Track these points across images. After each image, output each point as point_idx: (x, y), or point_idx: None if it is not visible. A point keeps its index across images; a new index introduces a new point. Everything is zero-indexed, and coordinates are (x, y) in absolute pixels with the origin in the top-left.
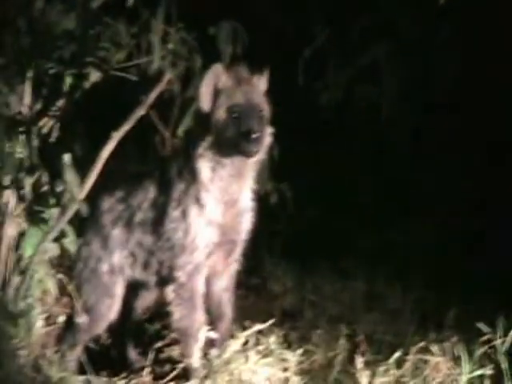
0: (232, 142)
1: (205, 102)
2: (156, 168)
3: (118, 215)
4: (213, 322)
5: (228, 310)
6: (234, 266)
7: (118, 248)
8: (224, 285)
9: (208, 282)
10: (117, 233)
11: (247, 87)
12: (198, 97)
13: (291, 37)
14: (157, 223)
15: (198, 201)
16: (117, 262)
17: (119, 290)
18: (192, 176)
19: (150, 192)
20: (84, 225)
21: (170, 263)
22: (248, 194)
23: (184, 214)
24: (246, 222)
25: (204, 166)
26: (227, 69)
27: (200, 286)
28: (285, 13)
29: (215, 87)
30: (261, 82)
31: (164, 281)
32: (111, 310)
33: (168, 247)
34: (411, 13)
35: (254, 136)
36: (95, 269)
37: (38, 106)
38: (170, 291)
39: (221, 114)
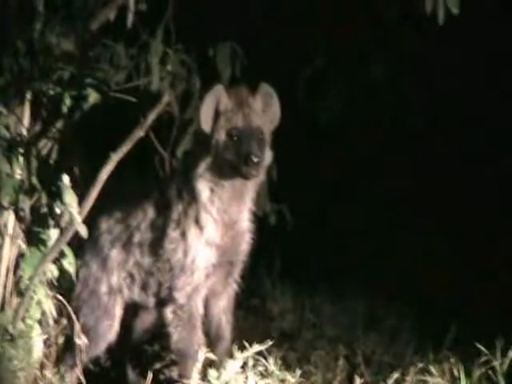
0: (231, 164)
1: (205, 124)
2: (155, 189)
3: (117, 236)
4: (212, 342)
5: (227, 331)
6: (232, 287)
7: (117, 269)
8: (223, 306)
9: (207, 303)
10: (115, 254)
11: (248, 109)
12: (199, 118)
13: (290, 57)
14: (155, 244)
15: (197, 222)
16: (115, 283)
17: (118, 310)
18: (191, 197)
19: (149, 213)
20: (83, 246)
21: (169, 284)
22: (247, 215)
23: (183, 235)
24: (245, 243)
25: (203, 187)
26: (228, 90)
27: (199, 307)
28: (283, 33)
29: (216, 108)
30: (265, 103)
31: (163, 302)
32: (110, 331)
33: (167, 268)
34: (410, 30)
35: (253, 160)
36: (94, 290)
37: (37, 128)
38: (168, 312)
39: (221, 137)
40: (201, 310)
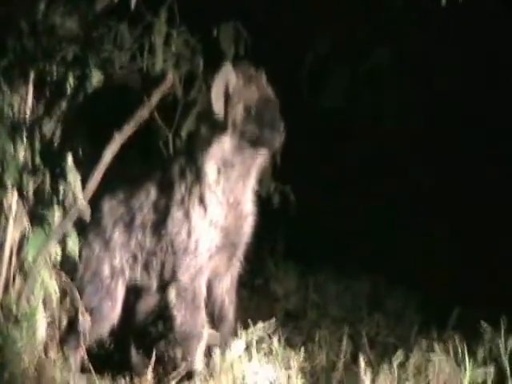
0: (254, 136)
1: (217, 104)
2: (157, 169)
3: (119, 217)
4: (215, 323)
5: (230, 311)
6: (235, 268)
7: (119, 250)
8: (226, 287)
9: (210, 284)
10: (118, 235)
11: (259, 83)
12: (208, 99)
13: (294, 43)
14: (158, 225)
15: (201, 202)
16: (118, 264)
17: (120, 292)
18: (196, 177)
19: (152, 193)
20: (86, 227)
21: (172, 265)
22: (250, 195)
23: (187, 216)
24: (248, 225)
25: (211, 168)
26: (236, 68)
27: (202, 287)
28: (287, 18)
29: (226, 88)
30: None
31: (166, 283)
32: (113, 312)
33: (170, 249)
34: (413, 19)
35: (278, 127)
36: (96, 271)
37: (41, 108)
38: (172, 293)
39: (238, 113)
40: (204, 290)
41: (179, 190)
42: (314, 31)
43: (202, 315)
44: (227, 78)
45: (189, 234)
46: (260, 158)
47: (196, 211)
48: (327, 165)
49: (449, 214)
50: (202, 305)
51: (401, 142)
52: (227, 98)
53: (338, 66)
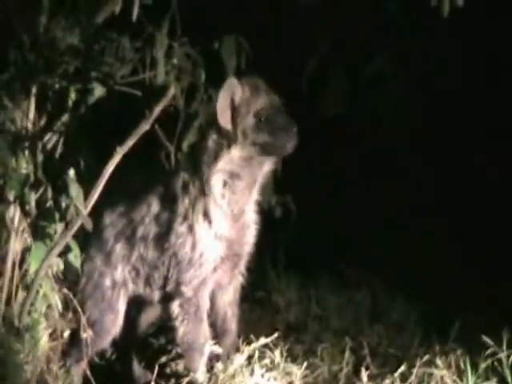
0: (266, 143)
1: (223, 119)
2: (159, 182)
3: (121, 230)
4: (218, 336)
5: (233, 323)
6: (238, 279)
7: (121, 263)
8: (229, 299)
9: (213, 296)
10: (119, 248)
11: (265, 92)
12: (215, 111)
13: (294, 49)
14: (160, 238)
15: (206, 215)
16: (119, 277)
17: (122, 305)
18: (200, 190)
19: (153, 207)
20: (87, 239)
21: (175, 278)
22: (253, 206)
23: (191, 229)
24: (251, 235)
25: (217, 181)
26: (240, 80)
27: (205, 300)
28: (287, 26)
29: (232, 101)
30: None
31: (169, 296)
32: (114, 325)
33: (174, 262)
34: (413, 23)
35: (292, 130)
36: (98, 284)
37: (43, 122)
38: (175, 306)
39: (248, 122)
40: (207, 303)
41: (183, 204)
42: (315, 37)
43: (205, 327)
44: (232, 91)
45: (193, 248)
46: (266, 167)
47: (200, 225)
48: (327, 172)
49: (450, 220)
50: (205, 317)
51: (400, 143)
52: (234, 110)
53: (338, 69)
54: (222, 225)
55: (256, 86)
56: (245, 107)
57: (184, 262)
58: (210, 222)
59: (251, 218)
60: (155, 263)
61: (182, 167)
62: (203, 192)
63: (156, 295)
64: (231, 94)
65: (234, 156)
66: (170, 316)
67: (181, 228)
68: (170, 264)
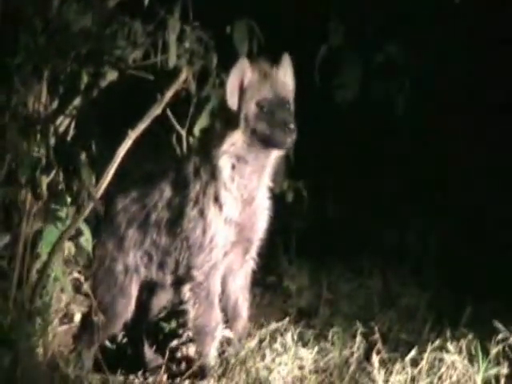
0: (264, 135)
1: (231, 99)
2: (171, 168)
3: (133, 215)
4: (229, 320)
5: (244, 308)
6: (250, 264)
7: (133, 248)
8: (240, 283)
9: (224, 280)
10: (132, 233)
11: (273, 81)
12: (222, 94)
13: (306, 35)
14: (172, 223)
15: (216, 199)
16: (132, 262)
17: (134, 289)
18: (210, 174)
19: (166, 192)
20: (99, 224)
21: (187, 262)
22: (265, 191)
23: (202, 213)
24: (263, 221)
25: (225, 164)
26: (251, 63)
27: (217, 284)
28: (299, 11)
29: (241, 82)
30: (285, 75)
31: (180, 280)
32: (126, 310)
33: (185, 247)
34: (425, 10)
35: (290, 127)
36: (110, 269)
37: (55, 105)
38: (186, 290)
39: (250, 109)
40: (218, 287)
41: (194, 189)
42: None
43: (217, 312)
44: (243, 72)
45: (204, 232)
46: (273, 154)
47: (211, 209)
48: (341, 161)
49: (462, 209)
50: (217, 301)
51: (413, 130)
52: (241, 93)
53: (351, 56)
54: (232, 209)
55: (266, 73)
56: (250, 92)
57: (195, 246)
58: (220, 207)
59: (263, 203)
60: (168, 248)
61: (194, 152)
62: (214, 176)
63: (168, 280)
64: (242, 74)
65: (237, 139)
66: (181, 300)
67: (192, 212)
68: (182, 248)
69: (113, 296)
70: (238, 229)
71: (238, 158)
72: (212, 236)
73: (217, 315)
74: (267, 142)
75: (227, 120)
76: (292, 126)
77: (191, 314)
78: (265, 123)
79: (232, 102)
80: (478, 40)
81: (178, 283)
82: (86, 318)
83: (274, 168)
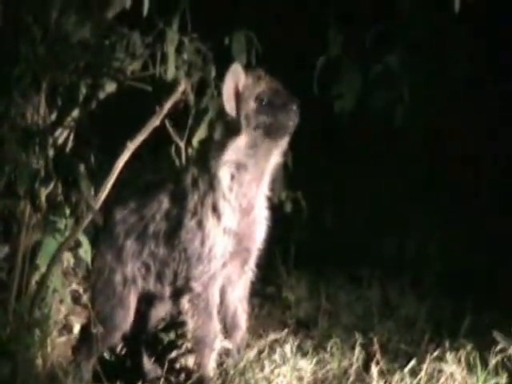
0: (269, 125)
1: (229, 103)
2: (169, 179)
3: (131, 226)
4: (228, 331)
5: (243, 319)
6: (248, 275)
7: (132, 259)
8: (238, 294)
9: (223, 291)
10: (130, 244)
11: (267, 80)
12: (219, 103)
13: (305, 46)
14: (171, 234)
15: (214, 210)
16: (130, 273)
17: (133, 300)
18: (208, 185)
19: (164, 203)
20: (98, 235)
21: (185, 274)
22: (263, 201)
23: (200, 224)
24: (261, 230)
25: (225, 174)
26: (246, 69)
27: (215, 295)
28: (298, 22)
29: (236, 86)
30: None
31: (179, 291)
32: (125, 321)
33: (184, 258)
34: (424, 19)
35: (292, 107)
36: (109, 280)
37: (53, 117)
38: (185, 301)
39: (250, 107)
40: (217, 298)
41: (192, 200)
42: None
43: (215, 323)
44: (237, 76)
45: (202, 243)
46: (273, 158)
47: (209, 220)
48: (340, 170)
49: (461, 220)
50: (215, 312)
51: (412, 139)
52: (238, 96)
53: (350, 65)
54: (230, 219)
55: (258, 75)
56: (247, 93)
57: (194, 257)
58: (218, 217)
59: (261, 213)
60: (166, 259)
61: (192, 162)
62: (212, 186)
63: (166, 291)
64: (236, 79)
65: (240, 144)
66: (179, 311)
67: (190, 223)
68: (180, 259)
69: (111, 307)
70: (236, 239)
71: (238, 167)
72: (210, 247)
73: (215, 326)
74: (272, 132)
75: (227, 128)
76: (294, 106)
77: (190, 325)
78: (266, 115)
79: (230, 106)
80: (477, 48)
81: (176, 294)
82: (85, 329)
83: (272, 176)
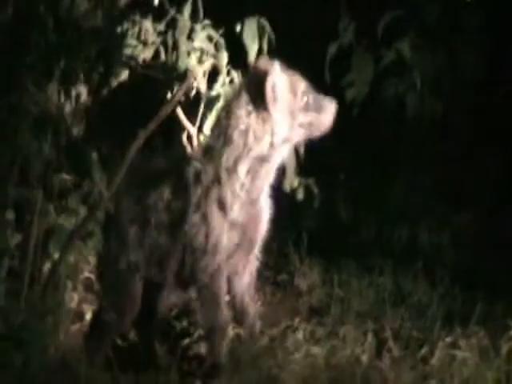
0: (311, 123)
1: (272, 102)
2: (172, 170)
3: (135, 215)
4: (238, 319)
5: (252, 306)
6: (253, 263)
7: (134, 247)
8: (245, 283)
9: (230, 280)
10: (133, 232)
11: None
12: (264, 98)
13: (317, 33)
14: (173, 227)
15: (221, 203)
16: (133, 260)
17: (138, 287)
18: (215, 178)
19: (166, 194)
20: (105, 223)
21: (190, 266)
22: (267, 191)
23: (204, 218)
24: (265, 221)
25: (243, 169)
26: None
27: (222, 285)
28: (310, 9)
29: (275, 86)
30: None
31: (185, 282)
32: (131, 308)
33: (189, 251)
34: (437, 6)
35: (334, 107)
36: (114, 266)
37: (66, 105)
38: (192, 292)
39: (297, 103)
40: (224, 288)
41: (195, 194)
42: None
43: (224, 312)
44: (277, 75)
45: (207, 236)
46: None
47: (215, 213)
48: (352, 158)
49: (474, 207)
50: (224, 301)
51: (425, 131)
52: (276, 94)
53: (363, 53)
54: (238, 213)
55: (292, 72)
56: (293, 90)
57: (198, 250)
58: (225, 211)
59: (265, 203)
60: (169, 250)
61: (202, 153)
62: (218, 180)
63: (170, 279)
64: (276, 78)
65: (275, 140)
66: (188, 302)
67: (194, 217)
68: (186, 252)
69: (117, 294)
70: (241, 230)
71: (262, 160)
72: (216, 240)
73: (225, 316)
74: (314, 130)
75: (263, 125)
76: (334, 106)
77: (199, 315)
78: (312, 111)
79: (272, 104)
80: (492, 33)
81: (184, 284)
82: (97, 316)
83: (283, 164)
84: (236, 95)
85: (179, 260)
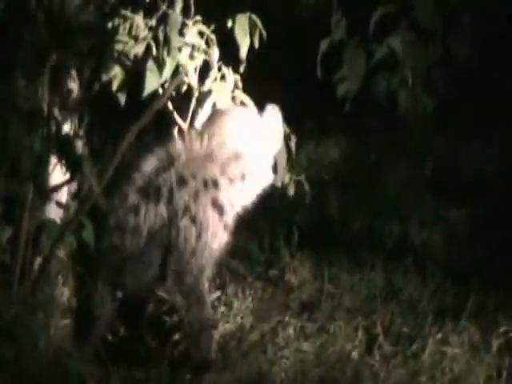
0: None
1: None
2: (154, 172)
3: (127, 213)
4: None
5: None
6: None
7: (126, 246)
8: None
9: None
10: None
11: None
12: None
13: (309, 29)
14: (160, 229)
15: (216, 206)
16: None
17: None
18: (206, 182)
19: (152, 198)
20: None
21: (175, 267)
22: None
23: (194, 221)
24: None
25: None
26: None
27: (205, 285)
28: (301, 5)
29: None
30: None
31: (170, 283)
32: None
33: (176, 254)
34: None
35: None
36: (107, 263)
37: (57, 99)
38: (176, 291)
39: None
40: (206, 286)
41: (181, 198)
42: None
43: (209, 312)
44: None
45: (197, 238)
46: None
47: (208, 215)
48: (344, 153)
49: (468, 202)
50: (207, 301)
51: (417, 126)
52: None
53: (355, 49)
54: (230, 214)
55: None
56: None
57: (187, 253)
58: (221, 213)
59: None
60: (155, 250)
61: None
62: (215, 183)
63: (158, 278)
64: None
65: None
66: (173, 303)
67: (182, 222)
68: (172, 252)
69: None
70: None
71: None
72: (207, 242)
73: (209, 314)
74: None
75: None
76: None
77: (185, 316)
78: None
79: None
80: (485, 28)
81: (167, 286)
82: (87, 311)
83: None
84: None
85: (165, 260)
